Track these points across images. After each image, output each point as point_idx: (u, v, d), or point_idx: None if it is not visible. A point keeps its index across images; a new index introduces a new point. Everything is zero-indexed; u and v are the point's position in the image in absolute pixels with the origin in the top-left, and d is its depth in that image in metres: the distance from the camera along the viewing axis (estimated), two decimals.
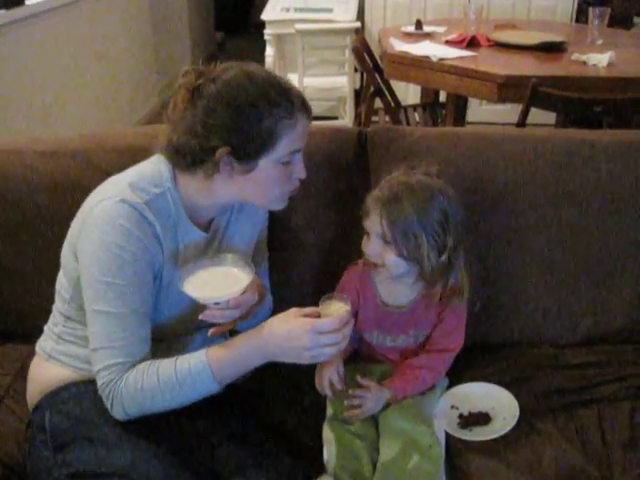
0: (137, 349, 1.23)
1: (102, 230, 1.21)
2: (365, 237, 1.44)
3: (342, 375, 1.38)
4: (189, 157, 1.24)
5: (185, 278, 1.23)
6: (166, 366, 1.22)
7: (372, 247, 1.41)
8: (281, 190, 1.29)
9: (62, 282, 1.35)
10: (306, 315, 1.21)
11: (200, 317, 1.22)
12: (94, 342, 1.23)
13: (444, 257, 1.38)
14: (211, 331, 1.26)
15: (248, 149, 1.21)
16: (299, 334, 1.18)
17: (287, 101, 1.21)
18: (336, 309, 1.23)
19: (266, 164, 1.23)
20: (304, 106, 1.24)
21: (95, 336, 1.23)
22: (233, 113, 1.20)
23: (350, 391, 1.41)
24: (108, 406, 1.23)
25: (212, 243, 1.38)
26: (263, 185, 1.26)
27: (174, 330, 1.37)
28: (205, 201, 1.31)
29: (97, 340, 1.23)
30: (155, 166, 1.30)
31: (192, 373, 1.20)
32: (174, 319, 1.34)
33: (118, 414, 1.23)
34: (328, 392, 1.38)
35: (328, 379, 1.37)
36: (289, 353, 1.20)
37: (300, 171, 1.29)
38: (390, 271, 1.42)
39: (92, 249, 1.22)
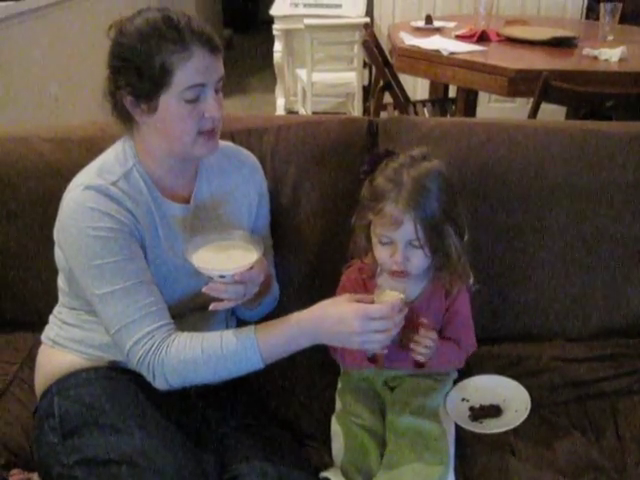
0: (159, 315, 1.22)
1: (74, 219, 1.22)
2: (380, 247, 1.35)
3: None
4: (116, 113, 1.26)
5: (192, 249, 1.21)
6: (211, 339, 1.21)
7: (401, 256, 1.32)
8: (193, 129, 1.23)
9: (60, 276, 1.36)
10: (359, 301, 1.21)
11: (203, 289, 1.20)
12: (113, 325, 1.21)
13: (466, 237, 1.37)
14: (212, 305, 1.22)
15: (145, 86, 1.19)
16: (349, 318, 1.17)
17: (177, 33, 1.18)
18: (390, 297, 1.22)
19: (168, 101, 1.20)
20: (201, 39, 1.20)
21: (111, 319, 1.21)
22: (125, 52, 1.20)
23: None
24: (150, 378, 1.21)
25: (201, 220, 1.35)
26: (173, 125, 1.23)
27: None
28: (155, 164, 1.29)
29: (116, 321, 1.21)
30: (120, 146, 1.31)
31: (239, 349, 1.19)
32: (167, 298, 1.29)
33: (161, 385, 1.21)
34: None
35: None
36: (339, 337, 1.20)
37: (211, 109, 1.22)
38: (412, 275, 1.36)
39: (71, 240, 1.23)
